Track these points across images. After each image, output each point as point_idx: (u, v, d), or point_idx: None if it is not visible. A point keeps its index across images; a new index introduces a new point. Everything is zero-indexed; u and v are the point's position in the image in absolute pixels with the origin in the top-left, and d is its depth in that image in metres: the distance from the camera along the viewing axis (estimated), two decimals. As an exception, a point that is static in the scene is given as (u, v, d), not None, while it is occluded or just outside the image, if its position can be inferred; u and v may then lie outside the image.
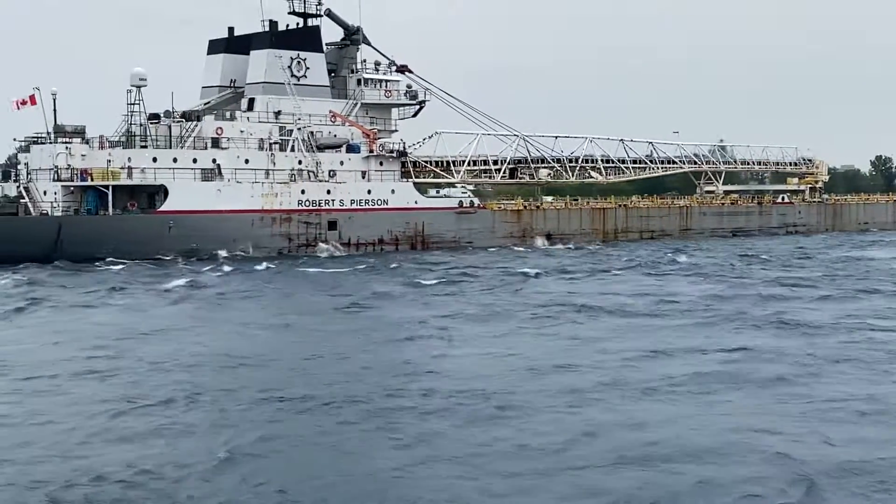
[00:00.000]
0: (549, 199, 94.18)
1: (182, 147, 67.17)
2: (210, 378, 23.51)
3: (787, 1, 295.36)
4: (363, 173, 74.18)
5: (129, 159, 64.85)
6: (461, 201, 79.88)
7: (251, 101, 72.56)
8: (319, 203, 70.64)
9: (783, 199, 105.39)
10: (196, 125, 68.52)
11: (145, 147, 66.23)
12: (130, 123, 67.44)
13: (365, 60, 79.99)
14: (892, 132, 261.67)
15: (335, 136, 74.25)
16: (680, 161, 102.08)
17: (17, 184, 65.80)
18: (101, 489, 15.11)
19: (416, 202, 75.75)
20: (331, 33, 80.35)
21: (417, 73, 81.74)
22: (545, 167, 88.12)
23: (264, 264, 58.54)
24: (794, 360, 25.14)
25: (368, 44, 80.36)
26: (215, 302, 40.60)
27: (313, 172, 71.21)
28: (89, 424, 18.96)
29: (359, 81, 78.28)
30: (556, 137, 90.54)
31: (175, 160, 65.79)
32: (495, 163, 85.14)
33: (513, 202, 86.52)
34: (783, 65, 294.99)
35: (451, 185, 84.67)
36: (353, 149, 74.30)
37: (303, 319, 34.94)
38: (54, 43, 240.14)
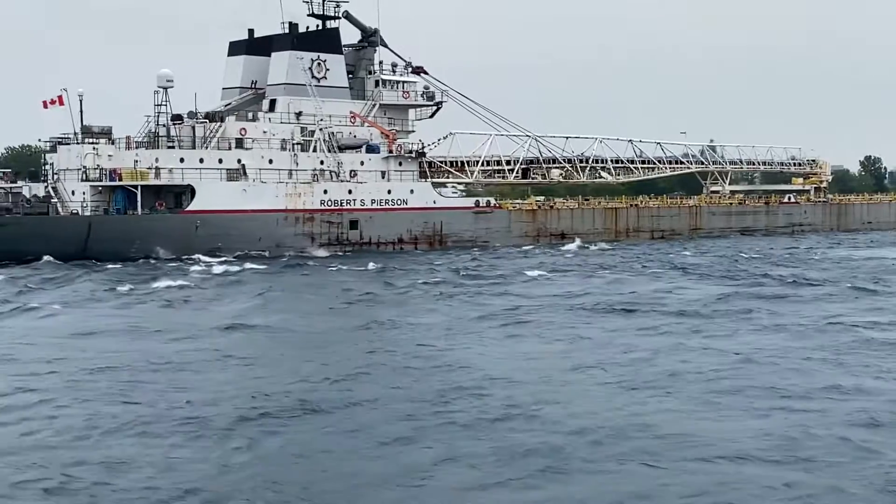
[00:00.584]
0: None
1: (207, 148, 68.11)
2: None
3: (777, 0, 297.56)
4: (383, 173, 75.24)
5: (157, 160, 65.78)
6: (478, 201, 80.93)
7: (273, 102, 73.53)
8: (341, 203, 71.67)
9: (789, 198, 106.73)
10: (220, 126, 69.47)
11: (172, 148, 67.13)
12: (158, 124, 68.41)
13: (382, 62, 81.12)
14: (881, 132, 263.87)
15: (354, 136, 75.31)
16: (687, 161, 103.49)
17: (46, 184, 66.69)
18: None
19: (434, 202, 76.83)
20: (347, 35, 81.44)
21: (432, 75, 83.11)
22: (557, 167, 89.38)
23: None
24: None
25: (385, 45, 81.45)
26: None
27: (335, 173, 72.23)
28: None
29: (377, 83, 79.33)
30: (567, 138, 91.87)
31: (201, 160, 66.75)
32: (508, 163, 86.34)
33: (526, 202, 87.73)
34: (773, 65, 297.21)
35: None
36: (372, 149, 75.38)
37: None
38: (70, 46, 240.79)
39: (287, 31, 75.77)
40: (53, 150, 68.76)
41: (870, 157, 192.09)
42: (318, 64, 74.56)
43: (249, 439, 17.81)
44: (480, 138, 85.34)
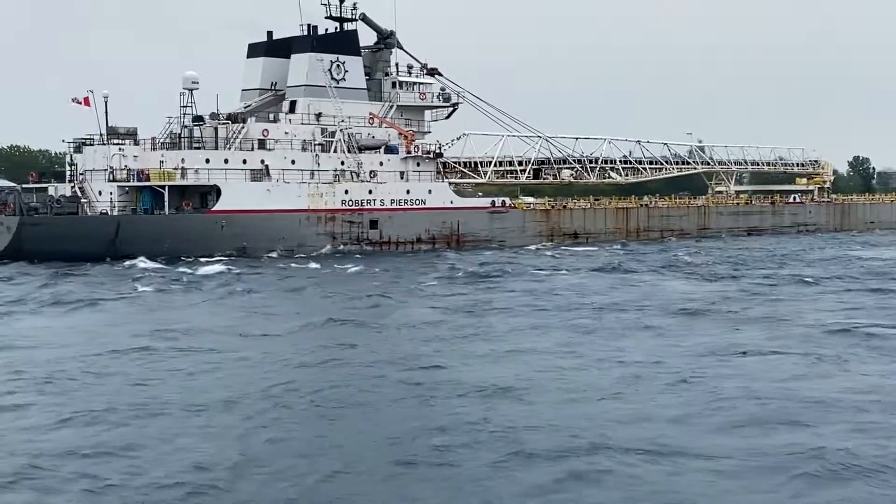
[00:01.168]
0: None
1: (230, 149, 68.94)
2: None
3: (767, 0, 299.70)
4: (401, 174, 76.21)
5: (183, 160, 66.59)
6: (493, 201, 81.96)
7: (293, 103, 74.38)
8: (362, 203, 72.60)
9: (794, 198, 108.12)
10: (242, 127, 70.29)
11: (199, 149, 67.96)
12: (183, 125, 69.25)
13: (398, 63, 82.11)
14: (869, 133, 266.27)
15: (373, 137, 76.26)
16: (694, 162, 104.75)
17: (72, 184, 67.42)
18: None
19: (451, 202, 77.81)
20: (363, 37, 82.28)
21: (447, 76, 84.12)
22: (567, 167, 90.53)
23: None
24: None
25: (401, 47, 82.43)
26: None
27: (355, 173, 73.17)
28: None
29: (393, 84, 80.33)
30: (577, 139, 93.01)
31: (226, 161, 67.60)
32: (520, 163, 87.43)
33: (539, 201, 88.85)
34: (762, 65, 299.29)
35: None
36: (391, 150, 76.38)
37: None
38: (70, 47, 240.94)
39: (306, 33, 76.67)
40: (78, 150, 69.43)
41: (858, 157, 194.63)
42: (337, 66, 75.45)
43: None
44: (493, 139, 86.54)
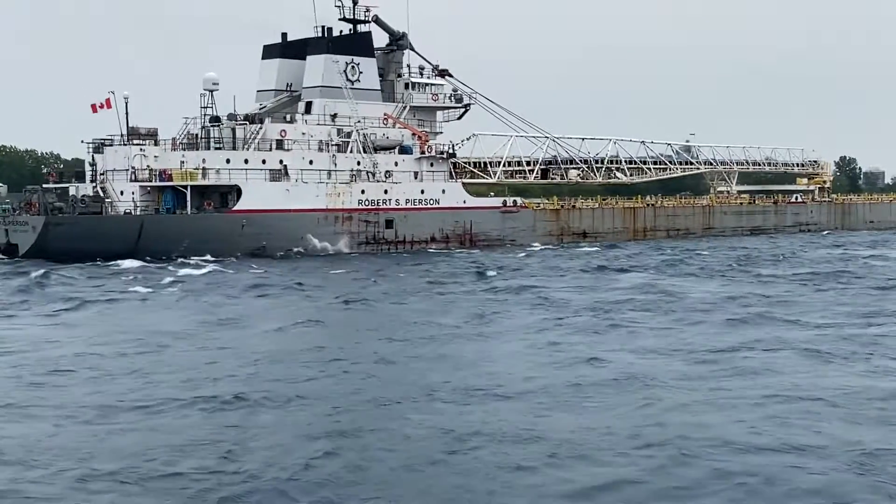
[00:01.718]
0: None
1: (248, 149, 69.83)
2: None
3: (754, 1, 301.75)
4: (415, 174, 77.23)
5: (204, 161, 67.43)
6: (505, 201, 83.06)
7: (308, 104, 75.31)
8: (378, 202, 73.60)
9: (796, 198, 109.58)
10: (260, 128, 71.17)
11: (219, 149, 68.83)
12: (203, 126, 70.13)
13: (409, 65, 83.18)
14: (855, 133, 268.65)
15: (387, 137, 77.27)
16: (697, 162, 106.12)
17: (93, 184, 68.20)
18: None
19: (464, 201, 78.89)
20: (375, 39, 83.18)
21: (457, 77, 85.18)
22: (574, 168, 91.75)
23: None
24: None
25: (412, 49, 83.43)
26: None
27: (371, 173, 74.17)
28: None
29: (406, 85, 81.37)
30: (584, 139, 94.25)
31: (246, 161, 68.49)
32: (528, 164, 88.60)
33: (547, 201, 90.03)
34: (749, 65, 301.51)
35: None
36: (405, 150, 77.41)
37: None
38: (71, 48, 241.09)
39: (321, 35, 77.61)
40: (97, 150, 70.19)
41: (845, 157, 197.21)
42: (352, 67, 76.40)
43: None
44: (501, 139, 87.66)
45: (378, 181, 74.31)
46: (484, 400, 20.26)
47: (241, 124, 71.35)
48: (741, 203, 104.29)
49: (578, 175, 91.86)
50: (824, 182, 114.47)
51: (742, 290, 41.47)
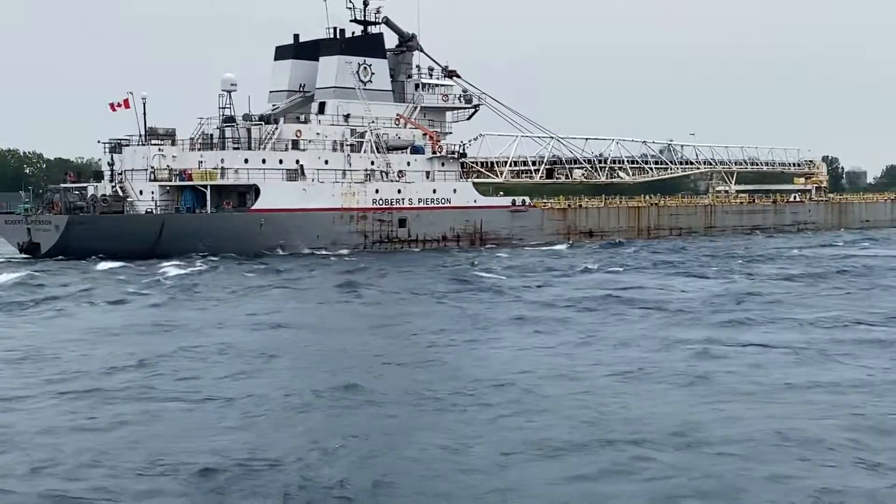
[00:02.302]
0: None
1: (264, 149, 70.65)
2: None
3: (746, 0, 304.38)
4: (427, 173, 78.24)
5: (222, 160, 68.24)
6: (514, 200, 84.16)
7: (322, 104, 76.17)
8: (391, 202, 74.58)
9: (794, 198, 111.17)
10: (276, 128, 71.99)
11: (238, 149, 69.65)
12: (218, 126, 70.91)
13: (419, 66, 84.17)
14: (838, 132, 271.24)
15: (399, 137, 78.25)
16: (697, 162, 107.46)
17: (112, 183, 68.88)
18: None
19: (474, 201, 79.94)
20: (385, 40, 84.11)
21: (465, 78, 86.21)
22: (578, 167, 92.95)
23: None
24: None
25: (421, 50, 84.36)
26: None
27: (385, 173, 75.14)
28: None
29: (417, 86, 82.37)
30: (587, 139, 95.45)
31: (264, 161, 69.31)
32: (534, 163, 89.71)
33: (554, 200, 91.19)
34: (736, 65, 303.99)
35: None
36: (417, 150, 78.41)
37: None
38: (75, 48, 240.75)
39: (332, 36, 78.49)
40: (114, 150, 70.82)
41: (827, 157, 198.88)
42: (364, 68, 77.32)
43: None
44: (507, 139, 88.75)
45: (392, 181, 75.30)
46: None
47: (256, 124, 72.17)
48: (741, 203, 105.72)
49: (583, 175, 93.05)
50: (821, 182, 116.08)
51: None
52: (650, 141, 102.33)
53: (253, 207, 67.69)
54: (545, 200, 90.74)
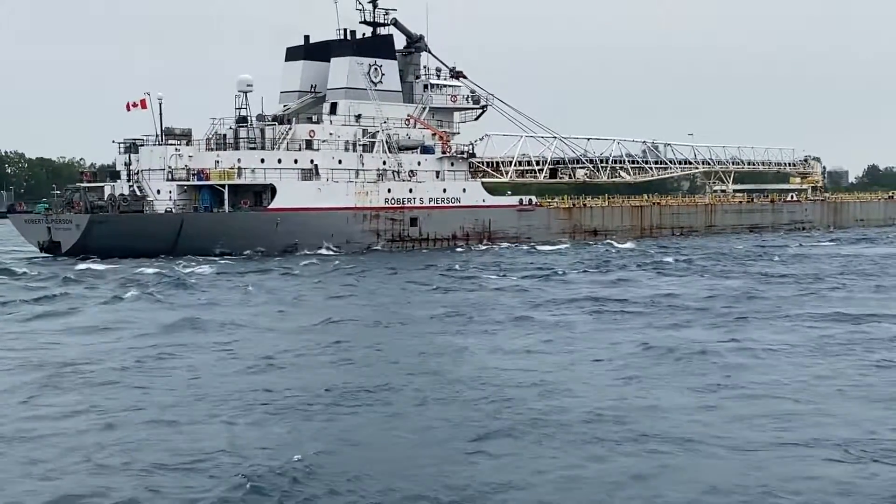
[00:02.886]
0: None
1: (279, 149, 71.56)
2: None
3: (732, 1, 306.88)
4: (437, 173, 79.33)
5: (239, 160, 69.09)
6: (521, 199, 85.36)
7: (334, 105, 77.10)
8: (403, 201, 75.63)
9: (792, 197, 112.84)
10: (289, 128, 72.91)
11: (254, 149, 70.53)
12: (231, 127, 71.78)
13: (427, 67, 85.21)
14: (819, 133, 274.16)
15: (409, 137, 79.30)
16: (695, 162, 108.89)
17: (129, 183, 69.63)
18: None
19: (483, 200, 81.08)
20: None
21: (471, 79, 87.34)
22: (581, 167, 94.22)
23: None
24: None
25: (429, 51, 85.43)
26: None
27: (396, 172, 76.19)
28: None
29: (425, 87, 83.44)
30: (589, 139, 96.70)
31: (279, 161, 70.21)
32: (538, 163, 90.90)
33: (559, 200, 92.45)
34: (721, 65, 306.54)
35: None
36: (427, 150, 79.50)
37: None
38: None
39: (343, 37, 79.43)
40: (129, 150, 71.54)
41: (809, 156, 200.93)
42: (375, 69, 78.31)
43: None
44: (512, 139, 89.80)
45: (403, 180, 76.34)
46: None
47: (269, 125, 73.06)
48: (740, 202, 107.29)
49: (585, 175, 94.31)
50: (817, 181, 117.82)
51: None
52: (650, 141, 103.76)
53: (270, 206, 68.57)
54: (549, 200, 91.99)
